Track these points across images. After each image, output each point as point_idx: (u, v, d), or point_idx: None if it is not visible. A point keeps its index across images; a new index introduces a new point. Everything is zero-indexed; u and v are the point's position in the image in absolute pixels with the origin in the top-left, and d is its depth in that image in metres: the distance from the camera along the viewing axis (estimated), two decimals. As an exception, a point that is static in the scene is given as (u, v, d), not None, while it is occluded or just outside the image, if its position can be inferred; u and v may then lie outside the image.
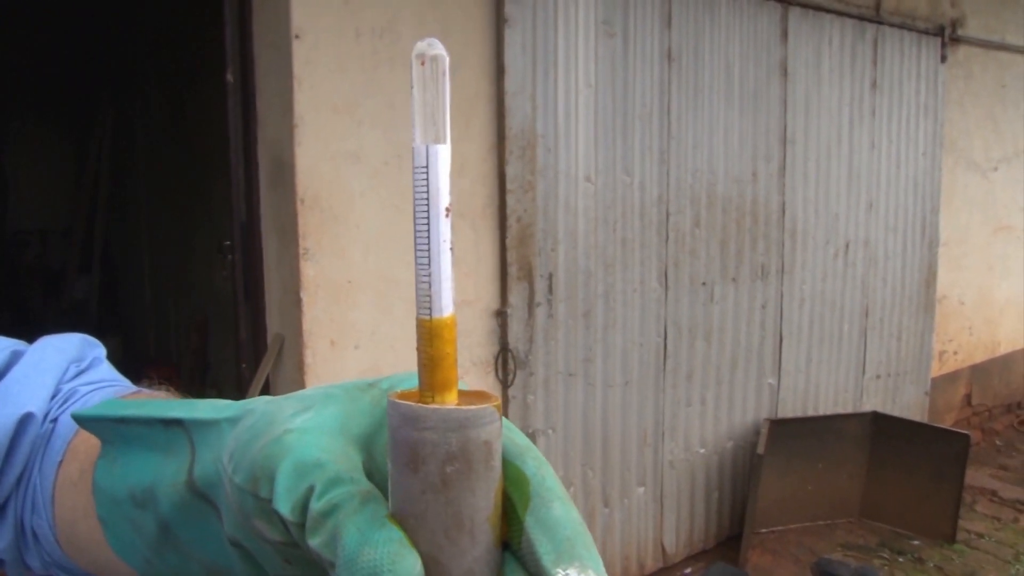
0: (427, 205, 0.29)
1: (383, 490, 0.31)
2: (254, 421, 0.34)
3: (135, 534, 0.42)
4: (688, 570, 3.50)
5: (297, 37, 2.30)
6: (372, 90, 2.45)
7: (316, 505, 0.29)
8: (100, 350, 0.60)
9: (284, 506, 0.30)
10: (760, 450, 3.49)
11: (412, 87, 0.29)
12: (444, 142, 0.29)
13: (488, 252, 2.78)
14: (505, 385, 2.84)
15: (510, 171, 2.76)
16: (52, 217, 6.94)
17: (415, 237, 0.30)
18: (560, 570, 0.29)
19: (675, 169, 3.26)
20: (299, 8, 2.29)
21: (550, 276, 2.92)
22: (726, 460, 3.67)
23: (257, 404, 0.35)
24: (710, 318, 3.48)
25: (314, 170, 2.37)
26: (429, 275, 0.29)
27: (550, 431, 3.01)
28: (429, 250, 0.29)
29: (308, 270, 2.38)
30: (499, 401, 0.31)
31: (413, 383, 0.35)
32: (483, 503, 0.30)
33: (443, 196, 0.29)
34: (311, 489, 0.30)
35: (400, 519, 0.29)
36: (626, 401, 3.23)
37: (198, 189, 4.48)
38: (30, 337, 0.59)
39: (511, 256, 2.80)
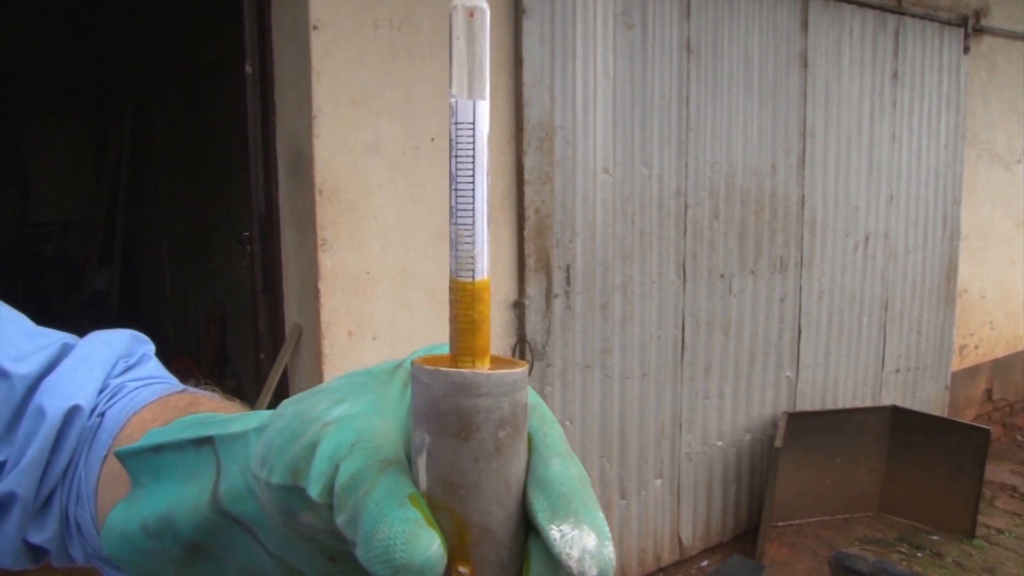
0: (473, 162, 0.28)
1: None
2: (285, 424, 0.33)
3: (155, 560, 0.41)
4: (705, 563, 3.49)
5: (315, 29, 2.30)
6: (390, 82, 2.45)
7: (339, 481, 0.29)
8: (149, 347, 0.61)
9: (315, 489, 0.29)
10: (778, 443, 3.47)
11: (456, 39, 0.28)
12: (486, 98, 0.28)
13: (506, 243, 2.78)
14: (522, 377, 2.84)
15: (528, 163, 2.76)
16: (73, 210, 7.02)
17: (456, 198, 0.28)
18: (554, 527, 0.28)
19: (694, 161, 3.24)
20: (317, 0, 2.30)
21: (568, 268, 2.91)
22: (743, 453, 3.66)
23: (284, 408, 0.35)
24: (728, 311, 3.46)
25: (332, 162, 2.37)
26: (473, 235, 0.28)
27: (567, 423, 3.01)
28: (474, 210, 0.28)
29: (326, 261, 2.39)
30: (525, 362, 0.30)
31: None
32: (523, 464, 0.29)
33: (486, 153, 0.28)
34: (337, 468, 0.29)
35: (447, 493, 0.28)
36: (643, 393, 3.23)
37: (217, 181, 4.50)
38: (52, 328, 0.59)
39: (529, 248, 2.80)
